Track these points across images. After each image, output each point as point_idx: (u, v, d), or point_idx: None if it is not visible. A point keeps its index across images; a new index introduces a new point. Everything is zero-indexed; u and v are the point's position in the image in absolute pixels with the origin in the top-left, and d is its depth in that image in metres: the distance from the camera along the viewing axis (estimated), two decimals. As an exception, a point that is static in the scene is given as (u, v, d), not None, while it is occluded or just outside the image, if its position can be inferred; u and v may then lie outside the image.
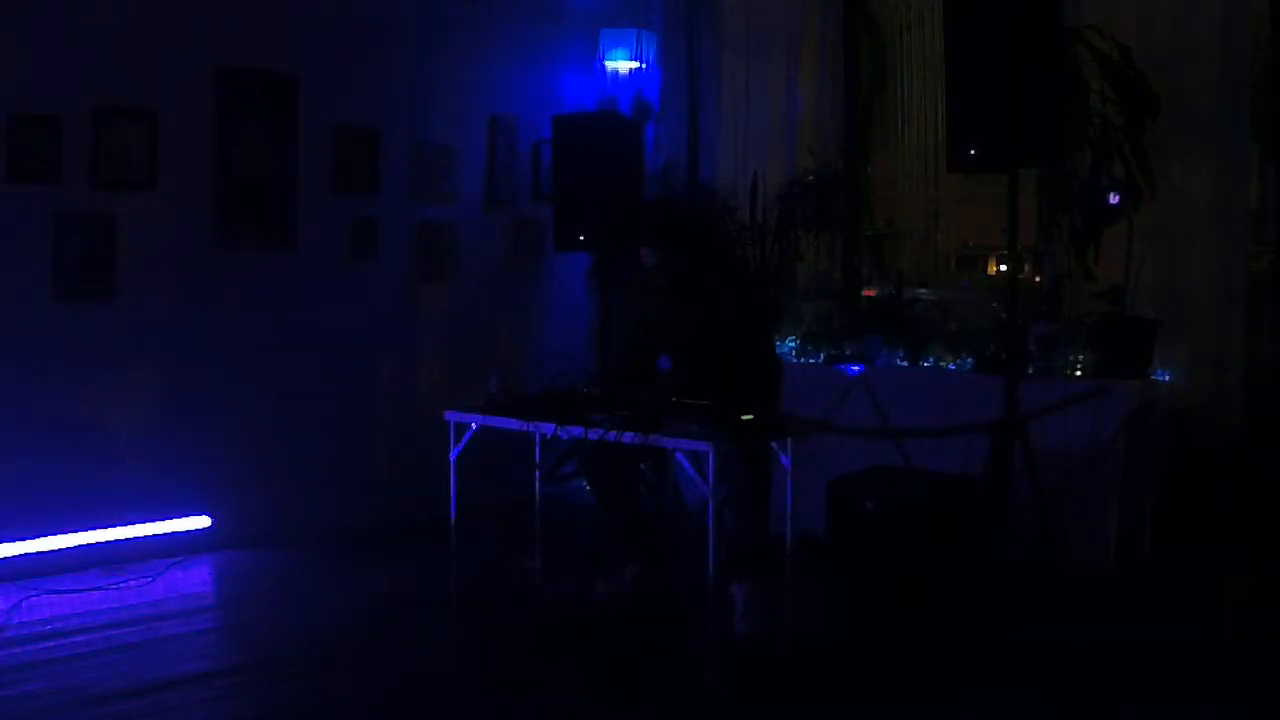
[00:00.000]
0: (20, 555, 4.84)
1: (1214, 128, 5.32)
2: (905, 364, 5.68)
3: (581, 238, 5.88)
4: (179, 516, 5.29)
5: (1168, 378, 5.30)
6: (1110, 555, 5.01)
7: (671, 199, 6.10)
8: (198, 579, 5.06)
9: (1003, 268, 6.70)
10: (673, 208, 5.11)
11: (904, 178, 7.74)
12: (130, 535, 5.15)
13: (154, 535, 5.22)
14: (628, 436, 3.99)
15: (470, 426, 4.44)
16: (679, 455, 4.05)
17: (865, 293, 6.83)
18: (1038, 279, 5.97)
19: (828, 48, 7.05)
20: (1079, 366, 5.23)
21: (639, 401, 4.18)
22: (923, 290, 6.83)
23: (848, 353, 5.84)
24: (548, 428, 4.21)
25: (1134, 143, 5.32)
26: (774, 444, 4.31)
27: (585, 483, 4.79)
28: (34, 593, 4.64)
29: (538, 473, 4.79)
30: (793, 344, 6.08)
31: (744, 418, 4.06)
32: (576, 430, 4.11)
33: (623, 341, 4.98)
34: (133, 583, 4.87)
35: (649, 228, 4.54)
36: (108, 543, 5.08)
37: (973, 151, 4.60)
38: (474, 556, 4.81)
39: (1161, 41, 5.39)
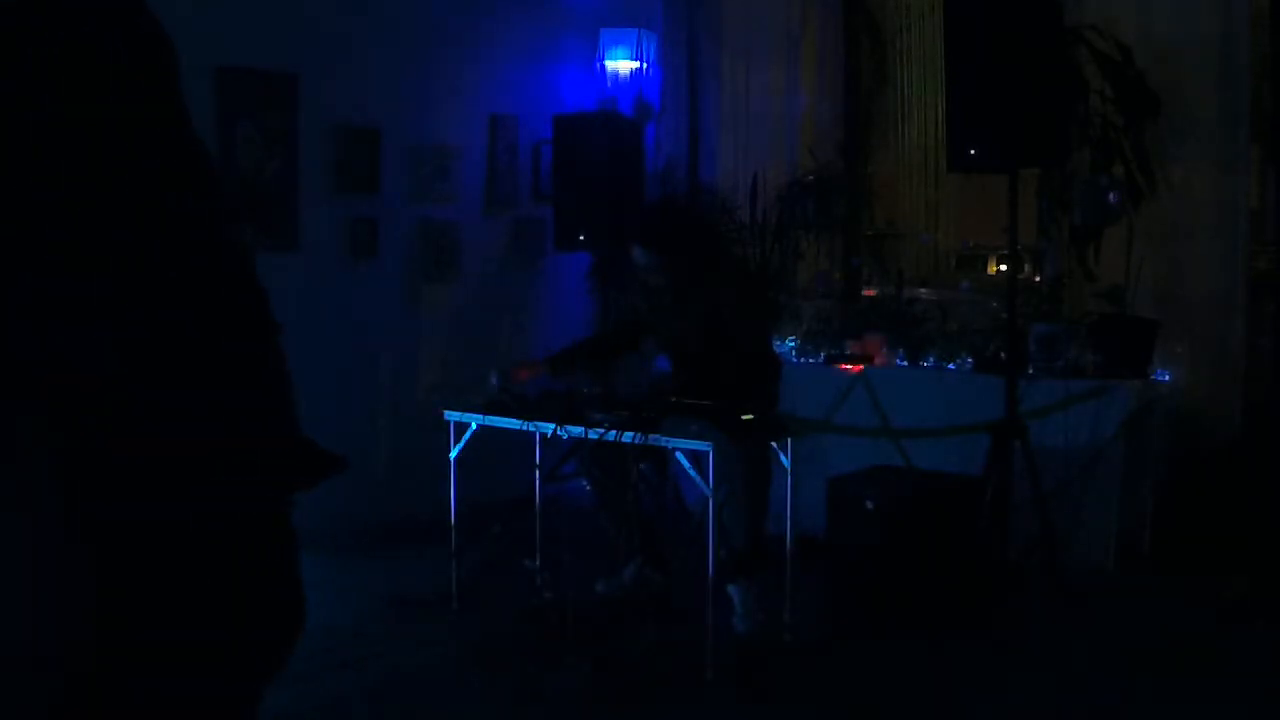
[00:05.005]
0: (20, 555, 4.82)
1: (1214, 128, 5.32)
2: (905, 364, 5.68)
3: (581, 238, 5.88)
4: (179, 516, 5.28)
5: (1168, 378, 5.30)
6: (1110, 555, 5.01)
7: (671, 202, 6.09)
8: (198, 579, 5.05)
9: (1003, 268, 6.71)
10: (670, 211, 5.12)
11: (904, 178, 7.76)
12: (129, 535, 5.10)
13: (153, 535, 5.18)
14: (628, 436, 4.00)
15: (470, 426, 4.45)
16: (679, 455, 4.06)
17: (865, 293, 6.84)
18: (1038, 279, 5.97)
19: (828, 48, 7.06)
20: (1079, 366, 5.23)
21: (639, 401, 4.19)
22: (923, 290, 6.84)
23: (848, 353, 5.84)
24: (547, 428, 4.21)
25: (1134, 143, 5.32)
26: (774, 444, 4.32)
27: (585, 483, 4.80)
28: (34, 593, 4.64)
29: (538, 473, 4.79)
30: (793, 344, 6.08)
31: (744, 417, 4.06)
32: (576, 430, 4.11)
33: (611, 323, 4.97)
34: (133, 583, 4.87)
35: (643, 230, 4.55)
36: (107, 543, 5.05)
37: (973, 151, 4.60)
38: (474, 556, 4.82)
39: (1161, 41, 5.39)
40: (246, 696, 1.36)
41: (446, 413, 4.54)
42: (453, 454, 4.51)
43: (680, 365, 4.67)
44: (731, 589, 4.32)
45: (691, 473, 4.05)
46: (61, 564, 1.22)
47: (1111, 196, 5.24)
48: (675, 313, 4.51)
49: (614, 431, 4.01)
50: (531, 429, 4.31)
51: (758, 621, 4.29)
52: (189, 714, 1.28)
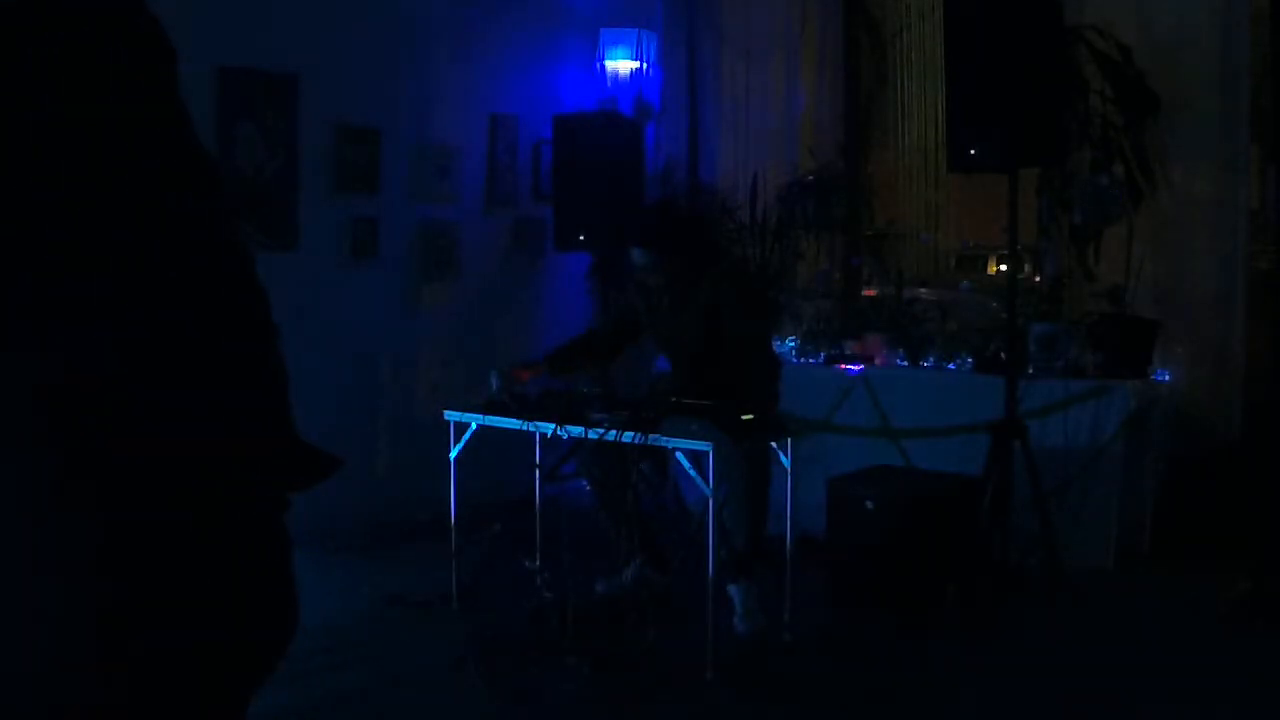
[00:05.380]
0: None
1: (1214, 128, 5.32)
2: (905, 364, 5.68)
3: (581, 238, 5.88)
4: (179, 516, 5.27)
5: (1168, 378, 5.30)
6: (1110, 555, 5.01)
7: (669, 202, 6.09)
8: (198, 579, 5.05)
9: (1003, 268, 6.71)
10: (668, 211, 5.12)
11: (904, 178, 7.76)
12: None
13: (153, 535, 5.18)
14: (628, 436, 3.99)
15: (470, 426, 4.45)
16: (679, 455, 4.06)
17: (865, 293, 6.84)
18: (1038, 279, 5.97)
19: (828, 48, 7.06)
20: (1079, 366, 5.23)
21: (639, 401, 4.19)
22: (923, 290, 6.85)
23: (848, 353, 5.84)
24: (548, 428, 4.21)
25: (1134, 143, 5.32)
26: (774, 444, 4.32)
27: (585, 483, 4.79)
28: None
29: (538, 473, 4.79)
30: (793, 344, 6.08)
31: (744, 418, 4.06)
32: (576, 430, 4.11)
33: (609, 321, 4.94)
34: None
35: (642, 230, 4.55)
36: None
37: (973, 151, 4.60)
38: (474, 556, 4.82)
39: (1161, 41, 5.39)
40: (237, 699, 1.35)
41: (446, 413, 4.54)
42: (453, 454, 4.51)
43: (680, 365, 4.67)
44: (732, 589, 4.32)
45: (691, 473, 4.05)
46: (60, 565, 1.21)
47: (1111, 197, 5.24)
48: (674, 312, 4.51)
49: (614, 431, 4.00)
50: (531, 429, 4.31)
51: (758, 622, 4.29)
52: (178, 716, 1.28)
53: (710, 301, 4.42)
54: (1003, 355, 5.05)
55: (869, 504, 4.63)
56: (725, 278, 4.59)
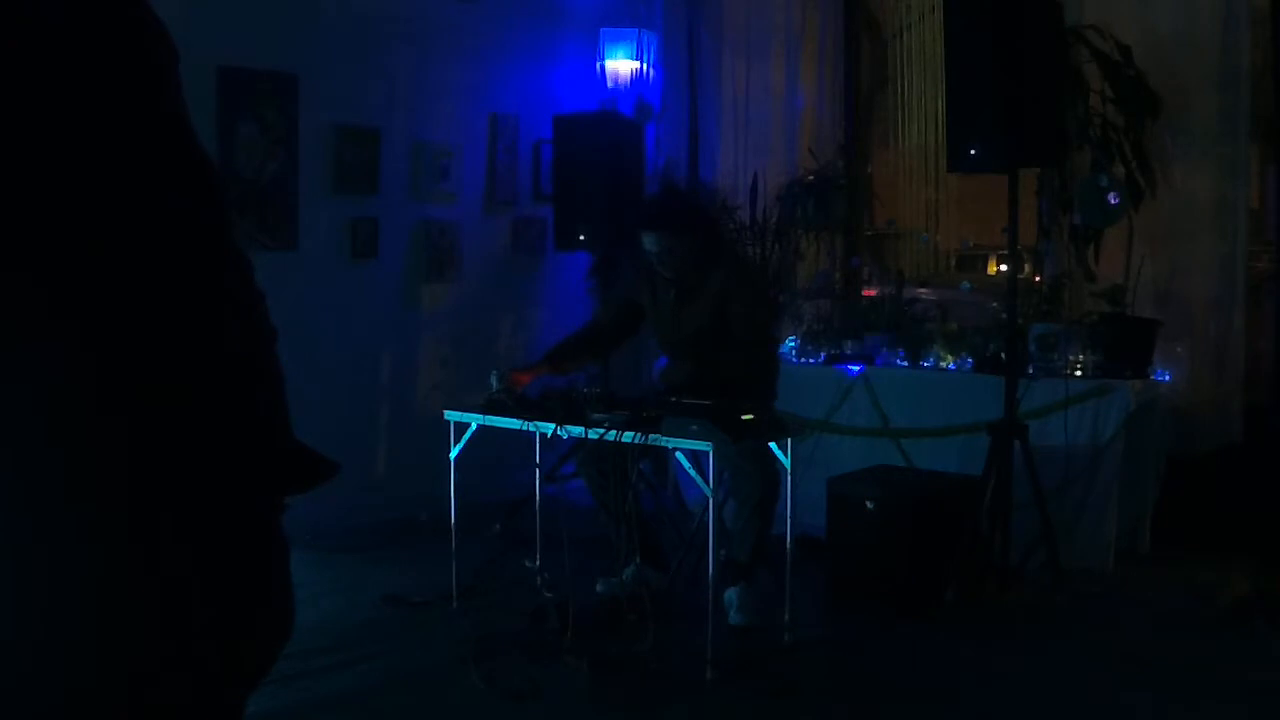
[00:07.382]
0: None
1: (1214, 128, 5.32)
2: (905, 364, 5.68)
3: (581, 237, 5.88)
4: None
5: (1168, 378, 5.30)
6: (1110, 555, 5.01)
7: (673, 188, 6.09)
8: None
9: (1003, 268, 6.71)
10: (674, 195, 5.10)
11: (904, 178, 7.76)
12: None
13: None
14: (628, 436, 3.99)
15: (470, 426, 4.45)
16: (679, 455, 4.05)
17: (865, 293, 6.84)
18: (1038, 279, 5.97)
19: (828, 47, 7.06)
20: (1079, 366, 5.23)
21: (639, 401, 4.19)
22: (923, 290, 6.84)
23: (848, 353, 5.84)
24: (548, 428, 4.21)
25: (1134, 143, 5.32)
26: (773, 444, 4.32)
27: (585, 483, 4.79)
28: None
29: (538, 473, 4.79)
30: (793, 344, 6.08)
31: (744, 417, 4.06)
32: (576, 430, 4.11)
33: (610, 311, 4.92)
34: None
35: (655, 213, 4.51)
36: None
37: (973, 151, 4.60)
38: (474, 556, 4.82)
39: (1161, 41, 5.39)
40: (235, 700, 1.35)
41: (446, 413, 4.54)
42: (453, 454, 4.51)
43: (683, 360, 4.65)
44: (729, 592, 4.32)
45: (691, 473, 4.05)
46: (62, 566, 1.21)
47: (1111, 196, 5.24)
48: (682, 303, 4.48)
49: (614, 431, 4.00)
50: (531, 429, 4.31)
51: (752, 617, 4.29)
52: (178, 716, 1.28)
53: (721, 289, 4.39)
54: (1003, 355, 5.04)
55: (869, 504, 4.63)
56: (735, 266, 4.57)
